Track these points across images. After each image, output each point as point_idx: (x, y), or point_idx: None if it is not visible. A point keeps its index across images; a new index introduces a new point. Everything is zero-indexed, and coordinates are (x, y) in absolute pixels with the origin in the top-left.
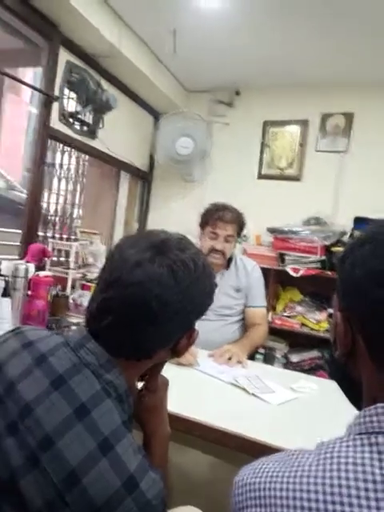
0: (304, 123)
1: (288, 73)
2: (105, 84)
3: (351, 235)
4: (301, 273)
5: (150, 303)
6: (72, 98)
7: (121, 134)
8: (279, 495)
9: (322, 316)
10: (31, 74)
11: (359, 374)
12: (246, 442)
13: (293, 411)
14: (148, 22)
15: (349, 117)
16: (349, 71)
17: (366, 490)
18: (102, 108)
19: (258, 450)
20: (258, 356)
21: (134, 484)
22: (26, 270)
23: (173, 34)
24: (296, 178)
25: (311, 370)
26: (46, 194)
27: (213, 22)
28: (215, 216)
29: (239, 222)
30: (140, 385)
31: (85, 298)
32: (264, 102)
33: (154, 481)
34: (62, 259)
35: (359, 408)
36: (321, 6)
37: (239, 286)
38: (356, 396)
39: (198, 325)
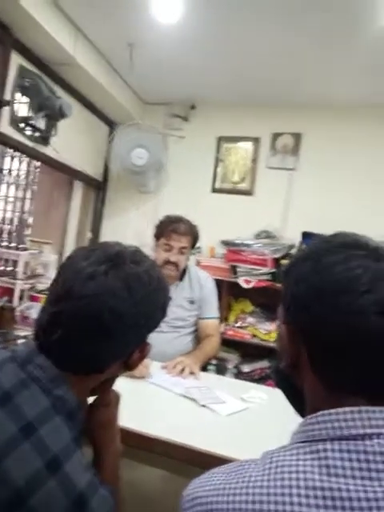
0: (256, 140)
1: (241, 91)
2: (60, 91)
3: (299, 249)
4: (252, 284)
5: (103, 316)
6: (24, 103)
7: (75, 142)
8: (226, 507)
9: (271, 327)
10: None
11: (303, 384)
12: (196, 454)
13: (243, 421)
14: (105, 32)
15: (297, 137)
16: (298, 93)
17: (307, 496)
18: (55, 115)
19: (207, 461)
20: (210, 367)
21: (84, 502)
22: None
23: (129, 46)
24: (248, 193)
25: (261, 379)
26: None
27: (170, 36)
28: (169, 228)
29: (193, 235)
30: (91, 399)
31: (33, 310)
32: (218, 117)
33: (105, 498)
34: (10, 269)
35: (303, 417)
36: (274, 29)
37: (193, 298)
38: (300, 405)
39: (151, 336)
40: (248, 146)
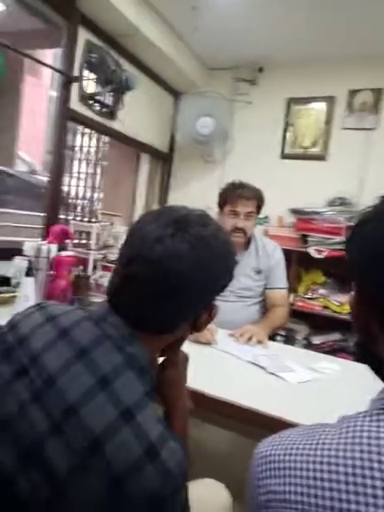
0: (330, 100)
1: (313, 48)
2: (124, 63)
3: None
4: (324, 254)
5: (170, 279)
6: (91, 79)
7: (141, 114)
8: (299, 467)
9: (344, 298)
10: (51, 57)
11: (380, 352)
12: (264, 418)
13: (313, 390)
14: None
15: (377, 92)
16: (377, 44)
17: None
18: (121, 88)
19: (276, 425)
20: (278, 338)
21: (155, 452)
22: (49, 250)
23: (194, 10)
24: (321, 157)
25: (333, 351)
26: (67, 177)
27: None
28: (234, 194)
29: (259, 199)
30: (161, 360)
31: (105, 279)
32: (288, 78)
33: (175, 450)
34: (84, 241)
35: None
36: None
37: (260, 268)
38: (382, 372)
39: (218, 305)
40: (321, 106)
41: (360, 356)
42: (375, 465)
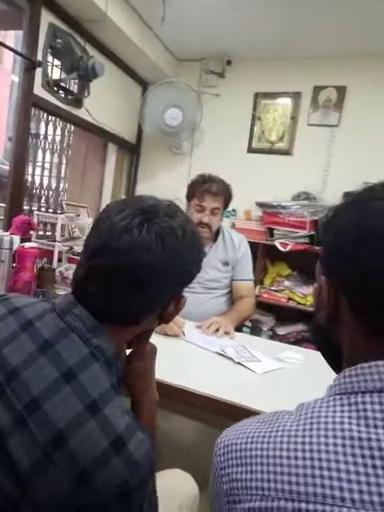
0: (296, 96)
1: (281, 44)
2: (91, 50)
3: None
4: (289, 248)
5: (137, 270)
6: (56, 65)
7: (108, 103)
8: (260, 454)
9: (308, 290)
10: (13, 40)
11: (341, 338)
12: (231, 408)
13: (278, 379)
14: None
15: (341, 90)
16: (342, 44)
17: (344, 446)
18: (87, 75)
19: (242, 414)
20: (244, 329)
21: (122, 444)
22: (11, 242)
23: None
24: (286, 152)
25: (297, 342)
26: (31, 167)
27: None
28: (202, 188)
29: (226, 194)
30: (129, 352)
31: (71, 271)
32: (256, 72)
33: (142, 441)
34: (49, 233)
35: (339, 372)
36: None
37: (227, 260)
38: (337, 361)
39: (186, 297)
40: (287, 101)
41: (315, 337)
42: (331, 448)
